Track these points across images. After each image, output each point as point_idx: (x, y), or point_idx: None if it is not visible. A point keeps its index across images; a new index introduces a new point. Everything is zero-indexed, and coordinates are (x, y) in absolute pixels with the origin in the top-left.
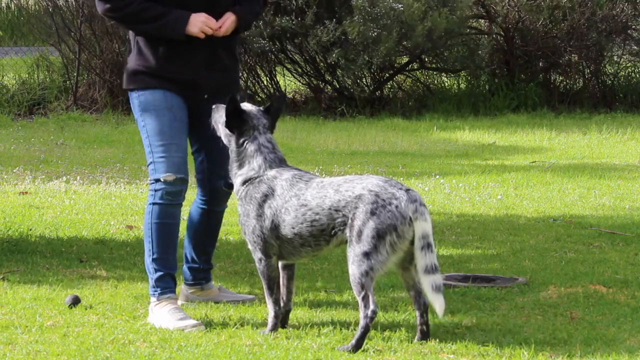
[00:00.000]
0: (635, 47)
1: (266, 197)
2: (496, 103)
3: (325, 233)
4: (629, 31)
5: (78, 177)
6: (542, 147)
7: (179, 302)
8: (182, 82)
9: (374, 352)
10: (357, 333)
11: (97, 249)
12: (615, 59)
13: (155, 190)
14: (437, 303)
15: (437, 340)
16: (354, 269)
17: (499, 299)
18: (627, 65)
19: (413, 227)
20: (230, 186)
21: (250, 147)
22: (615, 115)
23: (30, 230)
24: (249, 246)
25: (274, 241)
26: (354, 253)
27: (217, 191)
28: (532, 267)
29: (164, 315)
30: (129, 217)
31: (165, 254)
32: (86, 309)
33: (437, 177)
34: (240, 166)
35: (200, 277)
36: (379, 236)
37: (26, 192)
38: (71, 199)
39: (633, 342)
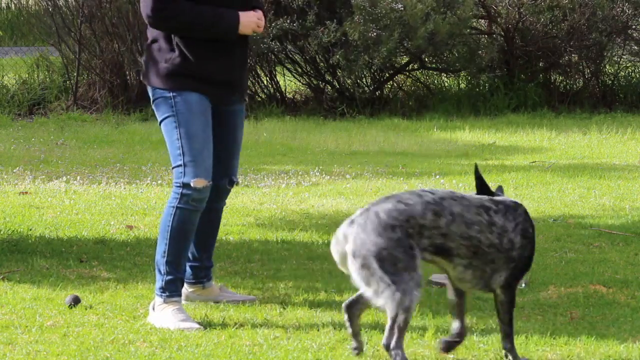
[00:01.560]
0: (635, 47)
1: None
2: (496, 103)
3: None
4: (629, 31)
5: (78, 177)
6: (542, 147)
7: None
8: (218, 83)
9: (374, 352)
10: None
11: (97, 249)
12: (615, 59)
13: (182, 195)
14: None
15: (438, 340)
16: None
17: None
18: (627, 65)
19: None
20: (233, 184)
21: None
22: (615, 115)
23: (30, 230)
24: None
25: None
26: None
27: (219, 188)
28: (532, 267)
29: (167, 315)
30: (129, 217)
31: (179, 258)
32: (86, 309)
33: (437, 177)
34: None
35: (202, 275)
36: None
37: (26, 192)
38: (71, 199)
39: (633, 342)
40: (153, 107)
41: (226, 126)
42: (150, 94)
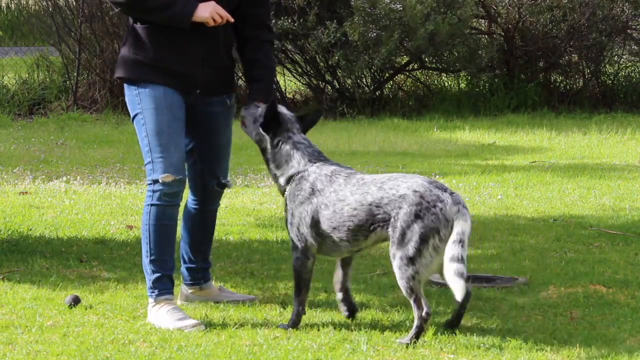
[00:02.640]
0: (635, 47)
1: (308, 193)
2: (496, 103)
3: (364, 229)
4: (629, 31)
5: (78, 177)
6: (542, 147)
7: (179, 302)
8: (178, 75)
9: (374, 352)
10: (412, 331)
11: (97, 249)
12: (615, 59)
13: (154, 192)
14: (458, 287)
15: (437, 340)
16: (400, 273)
17: (499, 299)
18: (627, 65)
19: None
20: (223, 186)
21: (286, 147)
22: (615, 115)
23: (30, 230)
24: (291, 243)
25: (314, 239)
26: (398, 257)
27: (209, 191)
28: (532, 267)
29: (162, 316)
30: (129, 217)
31: (163, 255)
32: (86, 309)
33: (437, 177)
34: (278, 166)
35: (199, 276)
36: (423, 240)
37: (26, 192)
38: (71, 199)
39: (633, 342)
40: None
41: (206, 127)
42: (124, 91)
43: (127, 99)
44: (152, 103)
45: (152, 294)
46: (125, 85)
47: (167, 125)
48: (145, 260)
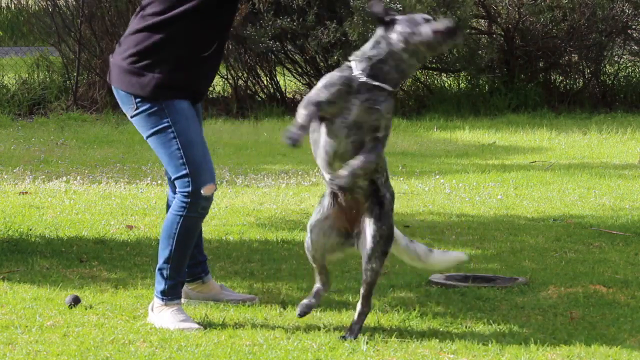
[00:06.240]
0: (635, 47)
1: None
2: (496, 103)
3: None
4: (629, 31)
5: (78, 177)
6: (542, 147)
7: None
8: (193, 92)
9: (374, 352)
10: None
11: (97, 249)
12: (615, 59)
13: (190, 204)
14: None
15: (437, 340)
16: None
17: (499, 299)
18: (627, 65)
19: None
20: None
21: None
22: (615, 115)
23: (30, 230)
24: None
25: None
26: None
27: None
28: (532, 267)
29: (166, 315)
30: (129, 217)
31: (182, 264)
32: (86, 309)
33: (437, 177)
34: None
35: (199, 271)
36: None
37: (26, 192)
38: (71, 199)
39: (633, 342)
40: (135, 119)
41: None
42: (131, 106)
43: (143, 114)
44: (181, 116)
45: (164, 298)
46: (140, 102)
47: (199, 135)
48: (164, 265)
